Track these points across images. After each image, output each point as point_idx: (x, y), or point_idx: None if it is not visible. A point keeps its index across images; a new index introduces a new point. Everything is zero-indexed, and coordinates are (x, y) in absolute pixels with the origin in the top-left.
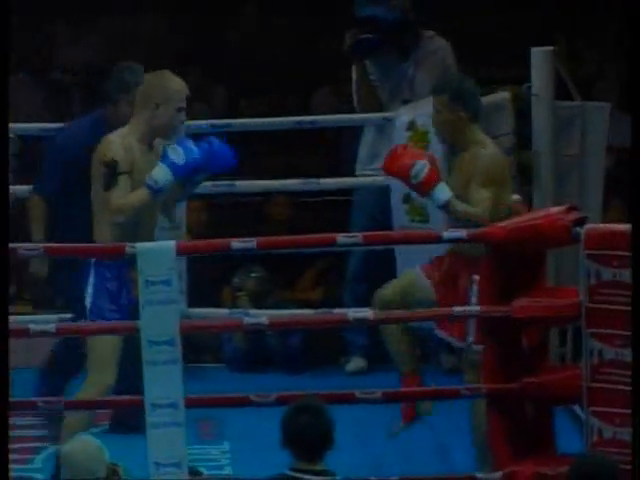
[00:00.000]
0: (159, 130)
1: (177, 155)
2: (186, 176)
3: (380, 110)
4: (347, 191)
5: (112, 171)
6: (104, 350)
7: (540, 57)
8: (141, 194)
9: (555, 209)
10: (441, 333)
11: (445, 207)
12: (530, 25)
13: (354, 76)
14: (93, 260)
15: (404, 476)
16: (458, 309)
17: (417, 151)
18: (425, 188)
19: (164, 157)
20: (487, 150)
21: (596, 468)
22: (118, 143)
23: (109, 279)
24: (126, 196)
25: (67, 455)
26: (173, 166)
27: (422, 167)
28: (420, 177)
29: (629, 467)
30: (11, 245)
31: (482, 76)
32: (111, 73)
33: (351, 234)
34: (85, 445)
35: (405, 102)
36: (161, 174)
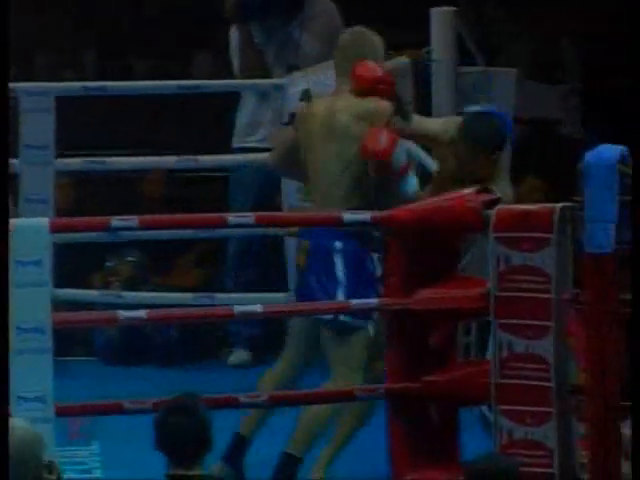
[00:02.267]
0: None
1: None
2: None
3: (264, 76)
4: (226, 167)
5: None
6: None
7: (441, 18)
8: None
9: (466, 191)
10: None
11: (411, 198)
12: None
13: (233, 41)
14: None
15: None
16: (356, 302)
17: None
18: (402, 174)
19: None
20: None
21: (492, 470)
22: None
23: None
24: None
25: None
26: None
27: (402, 152)
28: (401, 163)
29: (547, 470)
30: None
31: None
32: None
33: (243, 214)
34: (22, 432)
35: (291, 67)
36: None
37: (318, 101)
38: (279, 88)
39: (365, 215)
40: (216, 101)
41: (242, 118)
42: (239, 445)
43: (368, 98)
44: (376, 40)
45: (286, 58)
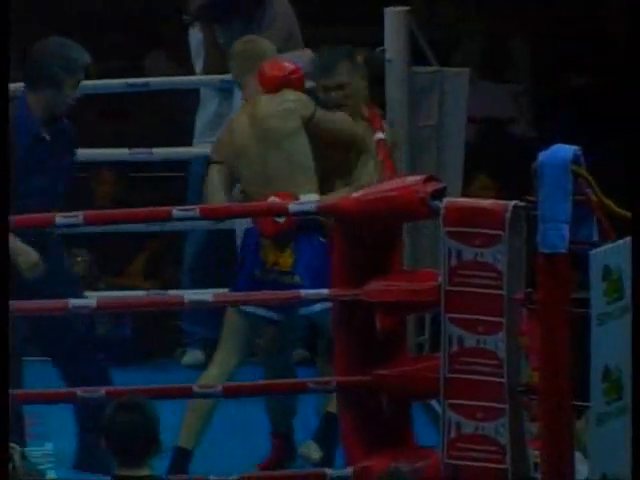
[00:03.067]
0: None
1: None
2: None
3: None
4: (184, 166)
5: None
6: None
7: (394, 18)
8: None
9: (411, 179)
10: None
11: None
12: None
13: (194, 42)
14: None
15: (245, 474)
16: (307, 292)
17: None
18: None
19: None
20: None
21: None
22: None
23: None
24: None
25: None
26: None
27: None
28: None
29: (500, 466)
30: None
31: (333, 37)
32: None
33: (187, 207)
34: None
35: None
36: None
37: (235, 119)
38: (228, 84)
39: (310, 205)
40: (174, 102)
41: (203, 117)
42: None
43: (283, 91)
44: (267, 45)
45: None
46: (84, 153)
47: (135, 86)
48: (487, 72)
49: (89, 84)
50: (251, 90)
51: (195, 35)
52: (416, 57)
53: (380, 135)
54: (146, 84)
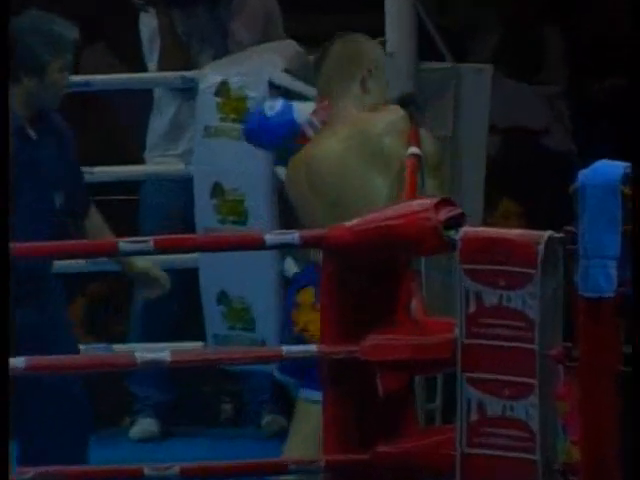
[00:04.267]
0: None
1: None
2: None
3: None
4: (133, 187)
5: None
6: None
7: (397, 3)
8: None
9: (420, 202)
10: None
11: None
12: None
13: (146, 32)
14: None
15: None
16: (289, 349)
17: None
18: None
19: None
20: None
21: None
22: None
23: None
24: None
25: None
26: None
27: None
28: None
29: None
30: None
31: (325, 27)
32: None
33: (139, 238)
34: None
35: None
36: None
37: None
38: (188, 82)
39: (291, 235)
40: (121, 106)
41: (157, 126)
42: None
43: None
44: (375, 46)
45: (214, 49)
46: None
47: (72, 85)
48: (514, 69)
49: None
50: (349, 104)
51: (148, 23)
52: (425, 50)
53: (414, 150)
54: (86, 83)
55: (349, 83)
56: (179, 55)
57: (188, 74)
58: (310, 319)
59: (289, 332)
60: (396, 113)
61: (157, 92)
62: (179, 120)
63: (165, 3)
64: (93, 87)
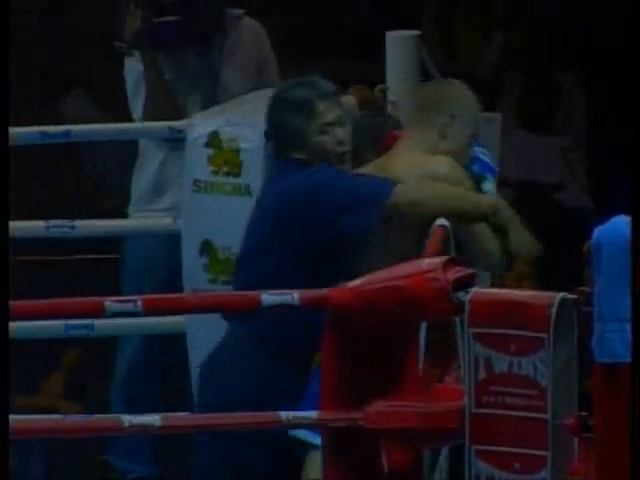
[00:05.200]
0: None
1: None
2: None
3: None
4: (115, 245)
5: None
6: None
7: (399, 45)
8: None
9: (427, 262)
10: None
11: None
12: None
13: (130, 79)
14: None
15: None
16: (287, 414)
17: None
18: None
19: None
20: None
21: None
22: None
23: None
24: None
25: None
26: None
27: None
28: None
29: None
30: None
31: (325, 72)
32: None
33: (127, 298)
34: None
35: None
36: None
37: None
38: (176, 132)
39: (290, 296)
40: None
41: (142, 179)
42: None
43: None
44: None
45: (202, 96)
46: None
47: (51, 136)
48: (527, 119)
49: None
50: (419, 144)
51: (133, 68)
52: None
53: (442, 221)
54: (66, 133)
55: (428, 126)
56: (165, 102)
57: (176, 124)
58: None
59: None
60: (441, 163)
61: (142, 141)
62: (165, 172)
63: (151, 47)
64: (73, 138)
